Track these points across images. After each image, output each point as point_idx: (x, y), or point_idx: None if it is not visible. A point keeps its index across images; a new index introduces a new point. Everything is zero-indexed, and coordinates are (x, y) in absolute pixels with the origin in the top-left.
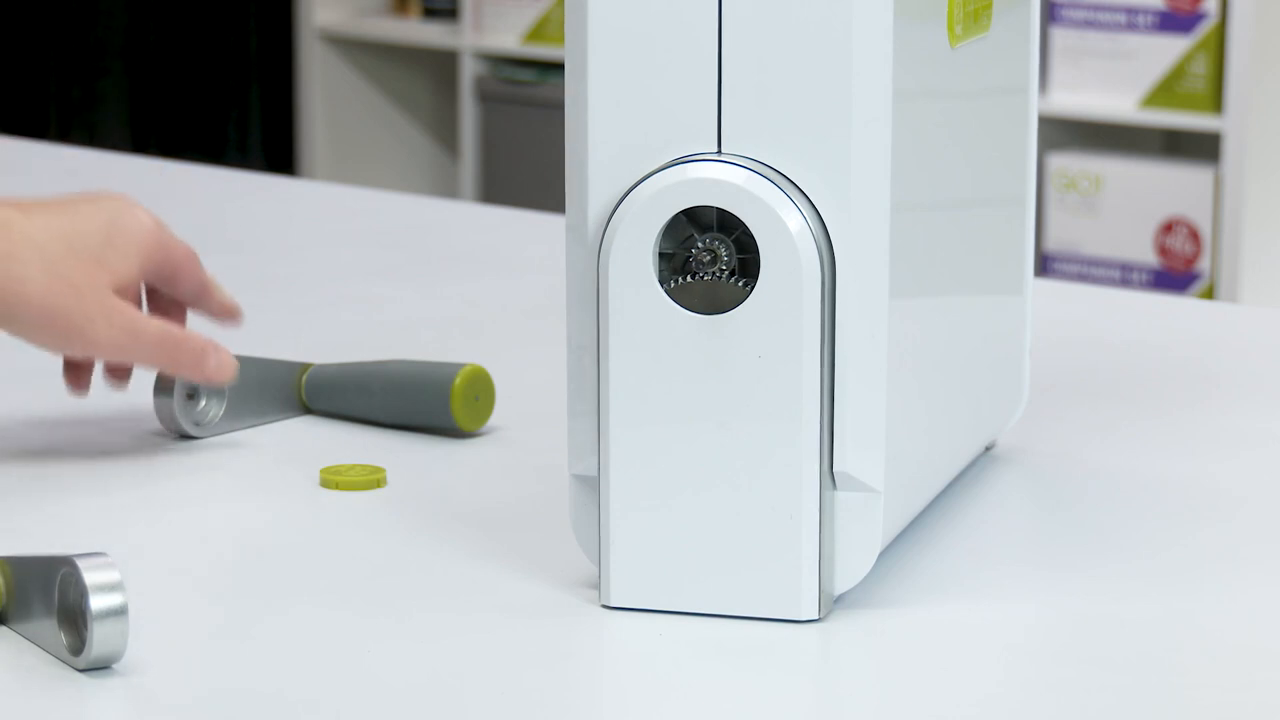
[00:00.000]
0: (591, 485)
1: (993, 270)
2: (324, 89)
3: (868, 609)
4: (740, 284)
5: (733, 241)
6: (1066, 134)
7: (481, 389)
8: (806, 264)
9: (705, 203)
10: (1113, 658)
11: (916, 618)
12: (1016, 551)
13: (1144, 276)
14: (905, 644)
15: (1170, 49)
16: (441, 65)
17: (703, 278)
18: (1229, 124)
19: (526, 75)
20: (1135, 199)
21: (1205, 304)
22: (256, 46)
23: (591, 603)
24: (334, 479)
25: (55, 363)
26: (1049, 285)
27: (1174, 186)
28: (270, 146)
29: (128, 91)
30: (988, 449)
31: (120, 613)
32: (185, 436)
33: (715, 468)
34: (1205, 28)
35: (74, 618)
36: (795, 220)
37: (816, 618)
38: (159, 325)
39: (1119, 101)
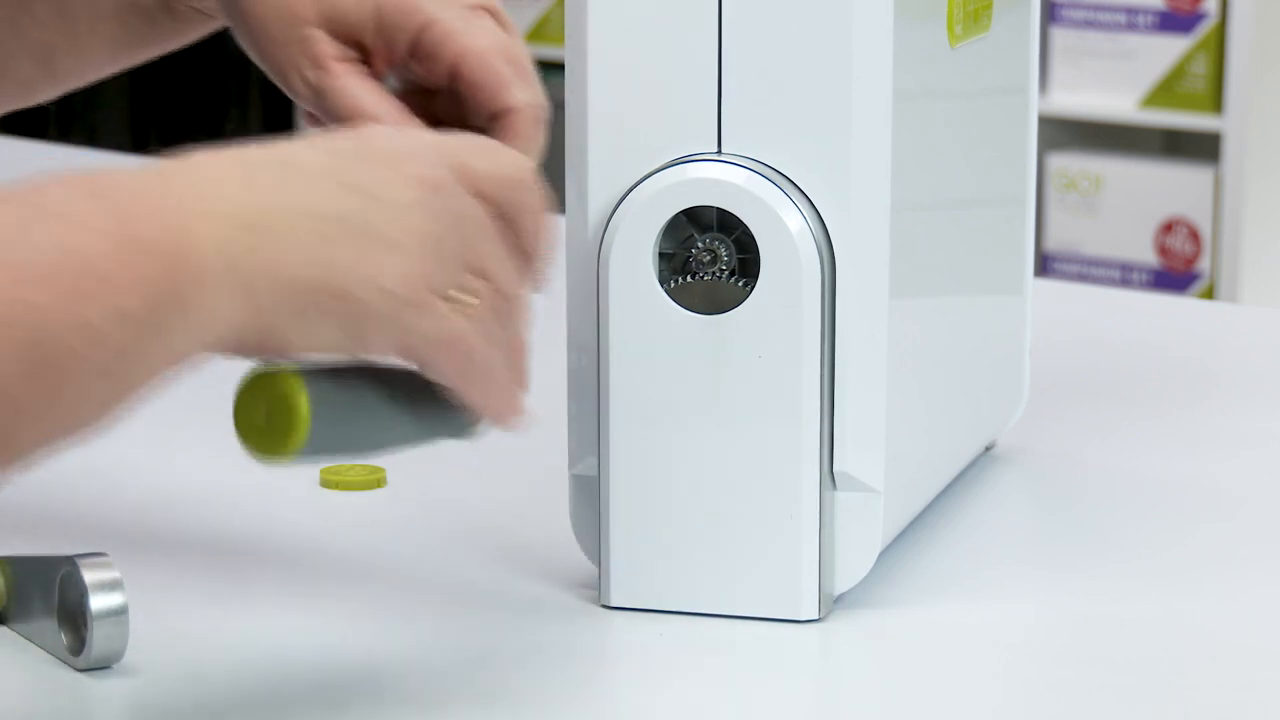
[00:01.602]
0: (591, 485)
1: (993, 270)
2: None
3: (868, 609)
4: (740, 284)
5: (733, 241)
6: (1066, 134)
7: (275, 404)
8: (806, 264)
9: (705, 203)
10: (1113, 658)
11: (916, 618)
12: (1016, 551)
13: (1144, 276)
14: (905, 644)
15: (1170, 49)
16: None
17: (703, 278)
18: (1229, 124)
19: None
20: (1135, 199)
21: (1205, 304)
22: None
23: (591, 603)
24: (334, 479)
25: None
26: (1049, 285)
27: (1174, 186)
28: None
29: (128, 91)
30: (988, 449)
31: (120, 613)
32: None
33: (715, 468)
34: (1205, 28)
35: (74, 618)
36: (795, 220)
37: (816, 618)
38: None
39: (1119, 101)
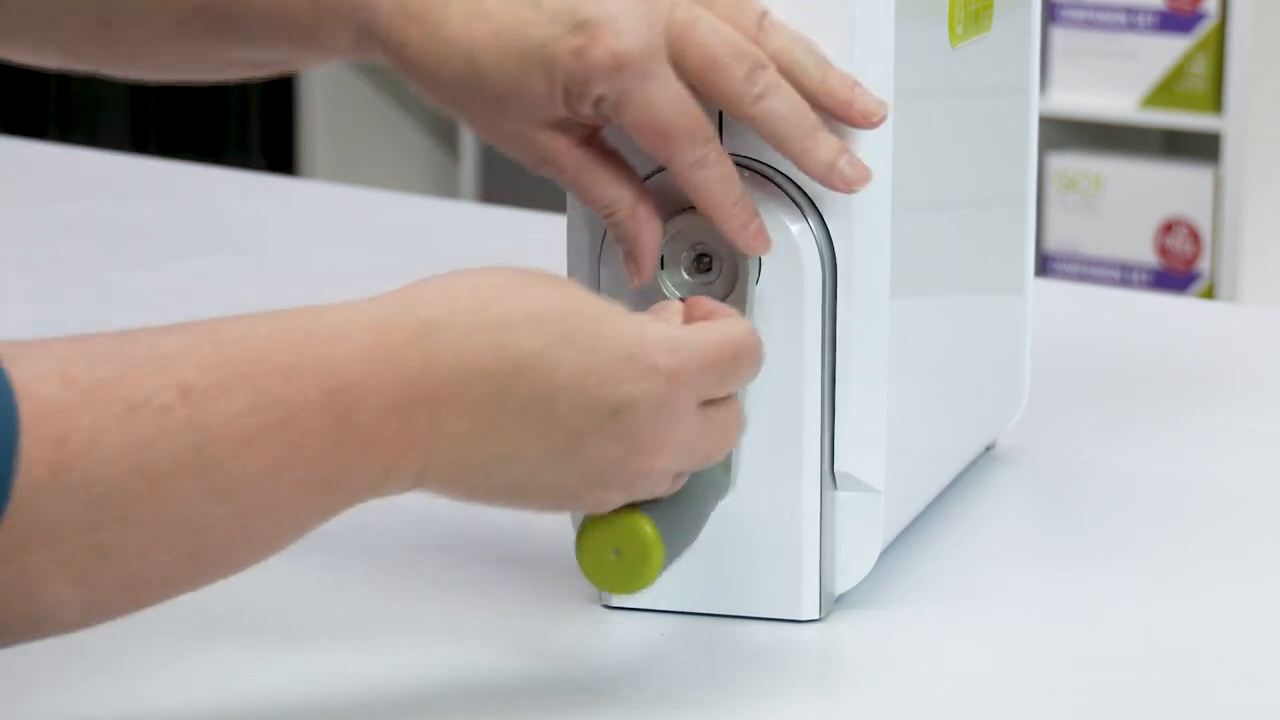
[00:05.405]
0: None
1: (993, 270)
2: (324, 89)
3: (868, 609)
4: None
5: None
6: (1066, 134)
7: (625, 543)
8: (807, 264)
9: None
10: (1113, 658)
11: (916, 618)
12: (1016, 551)
13: (1144, 276)
14: (905, 644)
15: (1170, 49)
16: None
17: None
18: (1229, 124)
19: None
20: (1135, 199)
21: (1205, 304)
22: None
23: (591, 603)
24: None
25: None
26: (1049, 285)
27: (1174, 186)
28: (270, 146)
29: (128, 92)
30: (988, 449)
31: None
32: None
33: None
34: (1205, 28)
35: None
36: (795, 220)
37: (816, 618)
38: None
39: (1119, 101)
